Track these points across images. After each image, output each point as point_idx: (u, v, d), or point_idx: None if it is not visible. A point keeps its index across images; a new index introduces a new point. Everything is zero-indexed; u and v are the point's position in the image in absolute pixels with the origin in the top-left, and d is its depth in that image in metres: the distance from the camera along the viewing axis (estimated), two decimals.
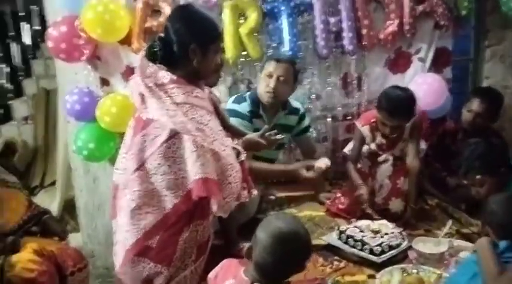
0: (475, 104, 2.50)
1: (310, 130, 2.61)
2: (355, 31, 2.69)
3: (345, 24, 2.68)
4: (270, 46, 2.72)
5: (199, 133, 1.45)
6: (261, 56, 2.68)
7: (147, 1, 2.56)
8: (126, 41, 2.56)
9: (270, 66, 2.29)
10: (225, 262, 1.44)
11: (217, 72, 1.67)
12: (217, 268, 1.43)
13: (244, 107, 2.29)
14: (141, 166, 1.47)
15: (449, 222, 2.06)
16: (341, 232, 2.00)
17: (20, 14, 3.79)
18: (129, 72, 2.68)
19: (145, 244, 1.52)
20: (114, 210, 1.64)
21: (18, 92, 3.86)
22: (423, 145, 2.61)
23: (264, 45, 2.70)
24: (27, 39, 3.90)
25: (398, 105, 2.16)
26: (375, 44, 2.74)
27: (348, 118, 2.86)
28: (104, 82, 2.69)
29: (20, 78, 3.83)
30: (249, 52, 2.64)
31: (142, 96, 1.51)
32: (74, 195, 2.75)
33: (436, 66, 2.84)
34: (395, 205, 2.30)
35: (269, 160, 2.42)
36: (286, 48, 2.64)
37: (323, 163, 2.12)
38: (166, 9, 2.56)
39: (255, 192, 1.70)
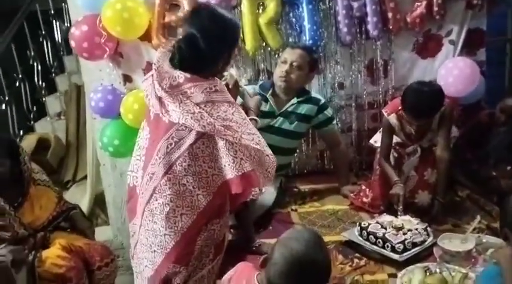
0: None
1: (333, 123, 2.51)
2: (380, 15, 2.57)
3: (369, 9, 2.56)
4: (290, 35, 2.66)
5: (228, 132, 1.45)
6: (281, 46, 2.63)
7: None
8: (146, 37, 2.57)
9: (285, 53, 2.37)
10: (240, 266, 1.43)
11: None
12: (231, 271, 1.42)
13: (250, 89, 2.27)
14: (169, 169, 1.49)
15: (478, 217, 1.95)
16: (362, 229, 1.95)
17: (51, 12, 3.89)
18: (150, 68, 2.69)
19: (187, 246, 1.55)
20: (131, 213, 1.67)
21: (52, 89, 4.00)
22: (455, 132, 2.47)
23: (284, 35, 2.64)
24: (58, 36, 4.02)
25: (423, 105, 2.03)
26: (402, 28, 2.61)
27: (374, 106, 2.75)
28: (127, 78, 2.72)
29: (53, 74, 3.96)
30: (268, 43, 2.59)
31: (160, 99, 1.50)
32: (103, 189, 2.84)
33: (469, 48, 2.67)
34: (422, 198, 2.20)
35: (287, 150, 2.40)
36: (307, 36, 2.57)
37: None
38: (185, 3, 2.54)
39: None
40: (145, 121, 1.65)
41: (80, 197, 2.96)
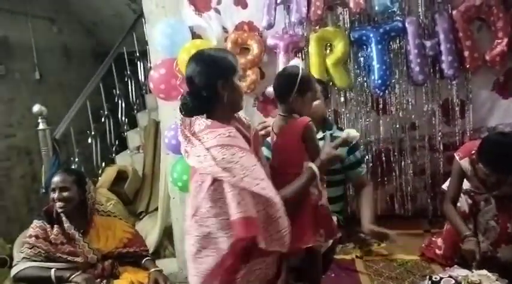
0: None
1: (362, 166, 2.20)
2: (456, 54, 2.46)
3: (443, 47, 2.47)
4: (359, 75, 2.63)
5: (226, 174, 1.43)
6: (348, 86, 2.61)
7: (235, 40, 2.69)
8: None
9: None
10: None
11: (242, 97, 1.61)
12: None
13: None
14: (196, 211, 1.51)
15: None
16: (433, 283, 1.79)
17: (136, 53, 4.26)
18: None
19: None
20: None
21: (134, 124, 4.32)
22: None
23: (352, 75, 2.62)
24: (142, 76, 4.37)
25: (502, 159, 1.86)
26: (480, 66, 2.46)
27: (450, 149, 2.58)
28: None
29: (135, 111, 4.28)
30: (335, 83, 2.59)
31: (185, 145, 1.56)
32: (172, 222, 2.95)
33: None
34: (506, 252, 1.98)
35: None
36: (376, 76, 2.52)
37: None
38: (255, 47, 2.65)
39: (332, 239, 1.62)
40: None
41: (151, 228, 3.10)
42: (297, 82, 1.60)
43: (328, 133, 2.15)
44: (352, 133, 1.69)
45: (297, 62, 1.70)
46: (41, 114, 2.93)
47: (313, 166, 1.58)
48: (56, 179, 2.08)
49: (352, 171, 2.18)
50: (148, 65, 4.19)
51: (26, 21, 4.20)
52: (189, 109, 1.55)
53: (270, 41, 2.67)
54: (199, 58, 1.55)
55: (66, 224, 2.06)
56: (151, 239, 2.96)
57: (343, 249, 2.24)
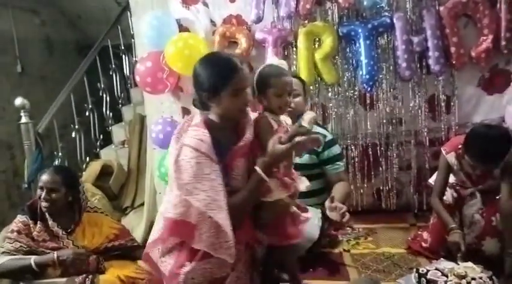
0: None
1: (338, 163, 2.18)
2: (442, 50, 2.48)
3: (430, 43, 2.49)
4: (347, 70, 2.64)
5: (176, 174, 1.44)
6: (336, 81, 2.61)
7: (224, 33, 2.67)
8: None
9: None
10: None
11: (243, 110, 1.56)
12: None
13: None
14: None
15: None
16: (420, 275, 1.81)
17: (121, 47, 4.18)
18: None
19: None
20: None
21: (119, 118, 4.25)
22: None
23: (340, 70, 2.63)
24: (127, 69, 4.30)
25: (490, 150, 1.87)
26: (466, 63, 2.50)
27: (436, 144, 2.62)
28: (185, 111, 2.83)
29: (120, 105, 4.21)
30: (323, 78, 2.59)
31: None
32: None
33: None
34: (491, 245, 2.01)
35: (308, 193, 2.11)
36: (363, 71, 2.53)
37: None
38: (243, 40, 2.63)
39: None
40: None
41: (137, 223, 3.05)
42: (254, 82, 1.56)
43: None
44: (306, 116, 1.55)
45: (275, 60, 1.67)
46: (23, 108, 2.86)
47: (258, 169, 1.48)
48: (45, 178, 2.01)
49: (327, 167, 2.18)
50: (134, 58, 4.14)
51: (7, 12, 4.09)
52: (194, 104, 1.59)
53: (259, 35, 2.66)
54: (200, 62, 1.54)
55: (50, 222, 2.01)
56: (137, 235, 2.92)
57: (330, 243, 2.24)
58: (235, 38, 2.67)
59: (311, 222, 2.02)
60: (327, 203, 1.87)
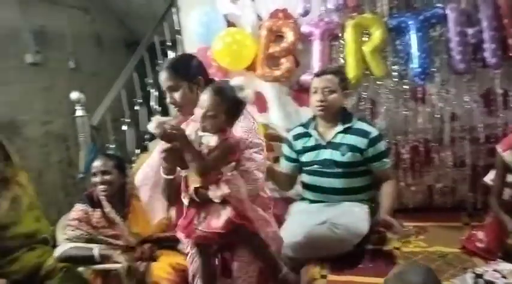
0: None
1: (384, 160, 2.13)
2: (499, 41, 2.36)
3: (486, 35, 2.38)
4: (397, 63, 2.57)
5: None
6: (385, 74, 2.55)
7: (270, 27, 2.67)
8: (251, 68, 2.70)
9: (314, 82, 2.17)
10: None
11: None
12: None
13: (292, 131, 2.29)
14: None
15: None
16: (477, 276, 1.74)
17: (166, 43, 4.28)
18: (254, 96, 2.82)
19: None
20: None
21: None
22: None
23: (389, 63, 2.56)
24: None
25: None
26: None
27: (491, 140, 2.50)
28: None
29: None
30: (372, 71, 2.54)
31: None
32: None
33: None
34: None
35: (348, 190, 2.13)
36: (415, 64, 2.46)
37: None
38: (289, 34, 2.62)
39: None
40: None
41: None
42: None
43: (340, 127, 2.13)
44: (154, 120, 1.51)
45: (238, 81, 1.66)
46: (78, 102, 2.99)
47: None
48: (97, 163, 2.12)
49: (373, 164, 2.13)
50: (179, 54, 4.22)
51: (62, 11, 4.28)
52: None
53: (305, 29, 2.64)
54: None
55: (107, 209, 2.10)
56: None
57: (380, 239, 2.20)
58: (281, 31, 2.67)
59: (359, 218, 2.02)
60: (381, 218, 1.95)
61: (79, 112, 3.01)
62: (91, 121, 3.06)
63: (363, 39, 2.55)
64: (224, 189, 1.52)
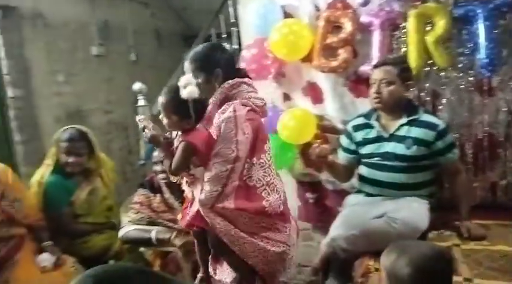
0: None
1: (453, 151, 2.07)
2: None
3: None
4: (462, 54, 2.45)
5: None
6: (449, 65, 2.45)
7: (328, 18, 2.64)
8: (307, 58, 2.69)
9: (373, 74, 2.13)
10: None
11: None
12: None
13: (352, 122, 2.25)
14: None
15: None
16: None
17: (222, 35, 4.36)
18: (309, 87, 2.82)
19: None
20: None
21: None
22: None
23: (454, 54, 2.45)
24: None
25: None
26: None
27: None
28: (286, 97, 2.88)
29: None
30: (435, 61, 2.44)
31: None
32: None
33: None
34: None
35: (408, 185, 2.07)
36: (481, 55, 2.33)
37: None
38: (347, 25, 2.58)
39: None
40: None
41: None
42: None
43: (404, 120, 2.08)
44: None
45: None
46: (140, 92, 3.13)
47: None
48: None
49: (442, 157, 2.05)
50: (234, 46, 4.29)
51: (124, 5, 4.49)
52: None
53: (365, 18, 2.58)
54: None
55: (167, 195, 2.20)
56: None
57: (440, 236, 2.14)
58: (339, 22, 2.62)
59: (419, 213, 1.96)
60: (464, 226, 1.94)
61: (141, 102, 3.16)
62: (152, 110, 3.19)
63: (426, 29, 2.45)
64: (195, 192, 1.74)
